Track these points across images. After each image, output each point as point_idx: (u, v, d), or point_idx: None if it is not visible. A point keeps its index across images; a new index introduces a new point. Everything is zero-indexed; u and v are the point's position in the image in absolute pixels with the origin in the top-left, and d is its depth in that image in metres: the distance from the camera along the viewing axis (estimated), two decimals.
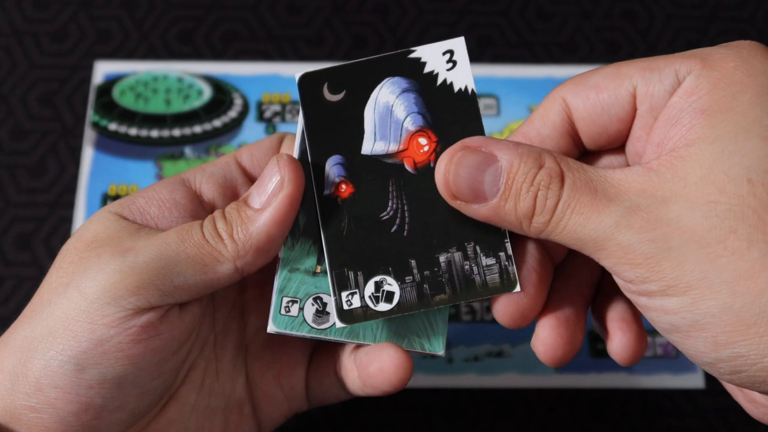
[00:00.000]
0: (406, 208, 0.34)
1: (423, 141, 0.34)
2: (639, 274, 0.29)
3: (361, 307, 0.33)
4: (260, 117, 0.57)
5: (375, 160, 0.34)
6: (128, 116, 0.56)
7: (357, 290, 0.33)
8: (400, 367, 0.34)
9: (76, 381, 0.31)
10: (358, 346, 0.36)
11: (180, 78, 0.58)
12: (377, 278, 0.33)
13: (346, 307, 0.33)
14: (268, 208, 0.33)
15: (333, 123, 0.35)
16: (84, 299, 0.31)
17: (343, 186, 0.34)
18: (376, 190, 0.34)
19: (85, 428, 0.32)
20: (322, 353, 0.39)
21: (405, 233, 0.34)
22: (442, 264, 0.33)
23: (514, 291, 0.33)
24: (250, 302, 0.39)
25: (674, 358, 0.51)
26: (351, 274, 0.33)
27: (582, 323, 0.35)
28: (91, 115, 0.56)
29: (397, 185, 0.34)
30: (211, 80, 0.58)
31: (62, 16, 0.59)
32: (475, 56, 0.59)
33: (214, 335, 0.38)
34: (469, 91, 0.35)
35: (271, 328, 0.34)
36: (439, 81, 0.35)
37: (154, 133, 0.56)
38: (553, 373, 0.51)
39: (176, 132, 0.56)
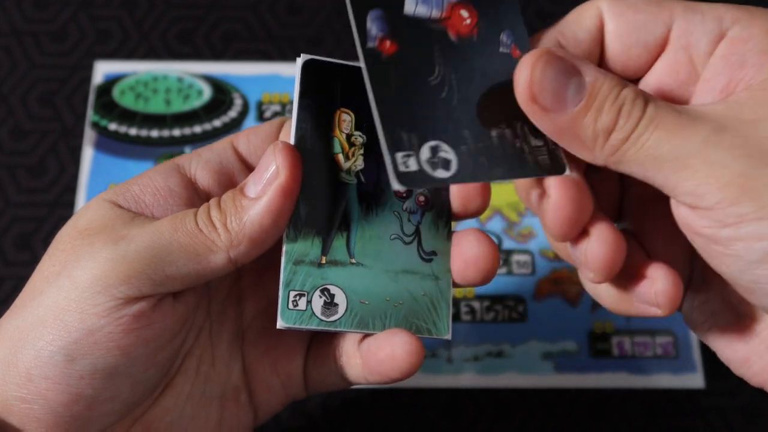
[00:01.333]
0: (453, 77, 0.32)
1: (465, 14, 0.33)
2: (726, 195, 0.28)
3: (419, 170, 0.30)
4: (260, 117, 0.57)
5: (418, 21, 0.32)
6: (128, 116, 0.57)
7: (413, 153, 0.30)
8: (412, 352, 0.33)
9: (67, 372, 0.31)
10: (365, 336, 0.35)
11: (180, 78, 0.58)
12: (432, 143, 0.31)
13: (402, 168, 0.30)
14: (262, 197, 0.32)
15: None
16: (75, 288, 0.31)
17: (387, 42, 0.32)
18: (421, 51, 0.32)
19: (76, 419, 0.32)
20: (321, 341, 0.38)
21: (454, 102, 0.32)
22: (494, 138, 0.32)
23: (565, 174, 0.32)
24: (246, 289, 0.39)
25: (674, 358, 0.51)
26: (405, 135, 0.31)
27: (590, 196, 0.33)
28: (91, 115, 0.56)
29: (442, 52, 0.32)
30: (211, 80, 0.58)
31: (62, 16, 0.60)
32: None
33: (209, 322, 0.37)
34: None
35: (280, 324, 0.33)
36: None
37: (154, 133, 0.56)
38: (553, 373, 0.51)
39: (176, 132, 0.56)
